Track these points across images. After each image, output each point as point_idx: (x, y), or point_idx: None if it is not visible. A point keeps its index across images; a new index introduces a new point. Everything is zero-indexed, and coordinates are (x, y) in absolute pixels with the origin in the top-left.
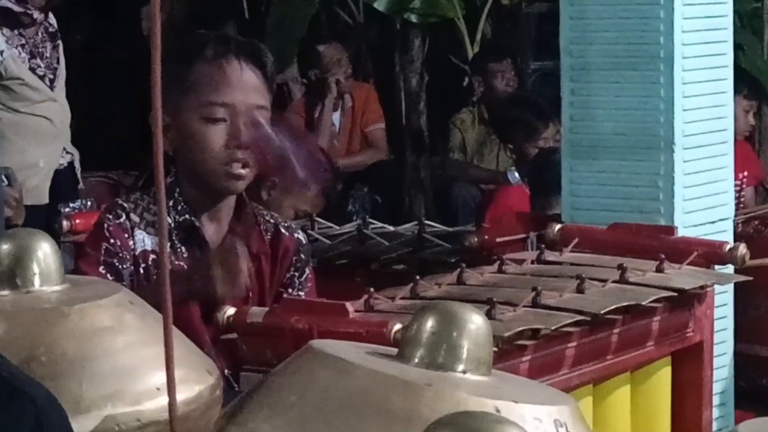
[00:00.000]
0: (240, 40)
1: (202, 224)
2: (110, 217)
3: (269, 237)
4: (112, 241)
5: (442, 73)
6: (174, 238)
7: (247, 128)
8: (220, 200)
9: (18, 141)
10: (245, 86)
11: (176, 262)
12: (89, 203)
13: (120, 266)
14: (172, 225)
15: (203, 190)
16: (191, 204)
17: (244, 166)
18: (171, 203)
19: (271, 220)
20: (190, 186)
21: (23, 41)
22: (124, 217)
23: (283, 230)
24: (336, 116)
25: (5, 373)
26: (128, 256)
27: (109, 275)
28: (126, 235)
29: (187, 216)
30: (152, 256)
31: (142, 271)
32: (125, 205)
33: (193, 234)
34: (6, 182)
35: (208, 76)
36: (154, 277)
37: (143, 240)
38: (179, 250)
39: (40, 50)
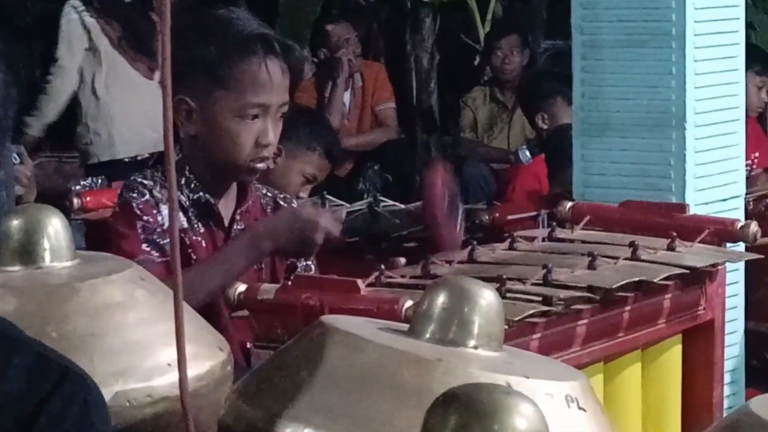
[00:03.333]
0: (279, 40)
1: (215, 201)
2: (135, 195)
3: (269, 211)
4: (145, 218)
5: (453, 53)
6: (190, 215)
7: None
8: (231, 182)
9: None
10: (278, 87)
11: (194, 238)
12: (99, 181)
13: (160, 241)
14: (187, 202)
15: (217, 174)
16: (202, 182)
17: (262, 161)
18: (183, 181)
19: (269, 194)
20: (203, 167)
21: None
22: (147, 194)
23: (281, 202)
24: (346, 95)
25: (54, 356)
26: (160, 231)
27: (153, 251)
28: (155, 211)
29: (201, 193)
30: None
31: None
32: (145, 182)
33: (209, 210)
34: (18, 161)
35: (249, 76)
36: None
37: (167, 216)
38: (196, 226)
39: None
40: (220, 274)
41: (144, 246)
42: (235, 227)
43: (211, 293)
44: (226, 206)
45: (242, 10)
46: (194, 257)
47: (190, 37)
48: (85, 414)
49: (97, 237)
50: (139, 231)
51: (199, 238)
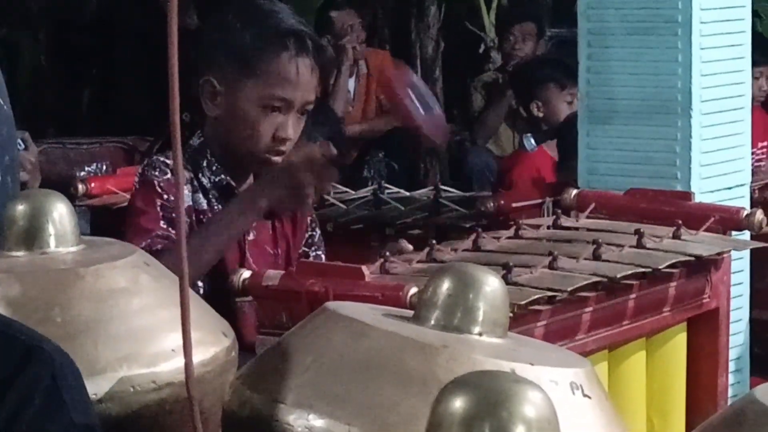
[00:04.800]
0: (314, 39)
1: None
2: (157, 173)
3: None
4: (165, 197)
5: (458, 40)
6: (210, 196)
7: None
8: (247, 170)
9: None
10: (305, 85)
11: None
12: (105, 167)
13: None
14: (208, 184)
15: (234, 160)
16: (224, 165)
17: (278, 155)
18: (204, 163)
19: None
20: (223, 151)
21: None
22: (170, 173)
23: None
24: (351, 83)
25: (20, 334)
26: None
27: (171, 230)
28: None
29: (222, 176)
30: (193, 215)
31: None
32: (167, 161)
33: (229, 193)
34: (22, 146)
35: (278, 70)
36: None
37: (187, 196)
38: (215, 208)
39: None
40: (223, 235)
41: (162, 224)
42: None
43: (215, 255)
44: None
45: (283, 5)
46: None
47: (228, 23)
48: (54, 391)
49: (102, 222)
50: (159, 209)
51: None
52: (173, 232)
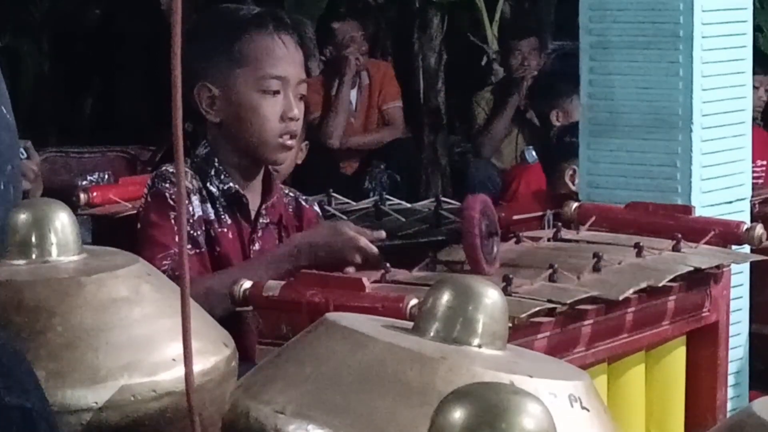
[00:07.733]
0: (289, 16)
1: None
2: (168, 185)
3: (291, 209)
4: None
5: (460, 52)
6: (218, 206)
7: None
8: (258, 171)
9: None
10: (295, 60)
11: (219, 230)
12: (107, 176)
13: (194, 233)
14: (217, 192)
15: (246, 161)
16: (231, 173)
17: (292, 137)
18: (212, 172)
19: (291, 194)
20: (232, 156)
21: None
22: None
23: (303, 203)
24: (353, 94)
25: None
26: (192, 222)
27: (187, 245)
28: (187, 202)
29: (231, 184)
30: (203, 225)
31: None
32: None
33: (238, 201)
34: (25, 155)
35: (264, 49)
36: (203, 246)
37: (197, 206)
38: (223, 217)
39: None
40: (258, 278)
41: (177, 238)
42: (260, 221)
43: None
44: (252, 200)
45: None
46: (218, 249)
47: (203, 27)
48: None
49: (104, 232)
50: (173, 221)
51: (226, 230)
52: (188, 246)
